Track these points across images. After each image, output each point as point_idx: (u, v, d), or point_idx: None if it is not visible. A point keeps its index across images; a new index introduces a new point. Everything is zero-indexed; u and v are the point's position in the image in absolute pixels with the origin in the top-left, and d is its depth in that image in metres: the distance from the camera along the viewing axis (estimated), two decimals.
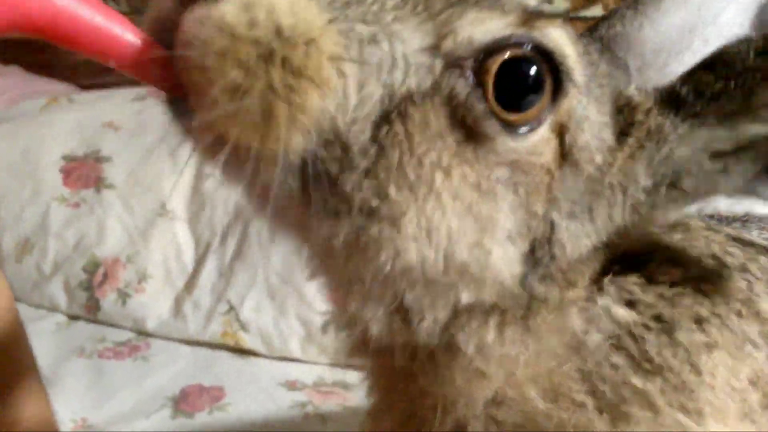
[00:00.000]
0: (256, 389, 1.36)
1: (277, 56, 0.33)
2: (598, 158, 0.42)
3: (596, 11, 1.77)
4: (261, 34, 0.32)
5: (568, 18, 0.43)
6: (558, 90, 0.39)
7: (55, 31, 0.32)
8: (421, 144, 0.36)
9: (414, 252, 0.37)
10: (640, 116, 0.44)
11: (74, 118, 1.78)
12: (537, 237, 0.41)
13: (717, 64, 0.42)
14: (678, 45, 0.50)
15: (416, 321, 0.41)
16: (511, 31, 0.38)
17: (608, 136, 0.43)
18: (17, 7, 0.30)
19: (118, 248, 1.59)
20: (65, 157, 1.72)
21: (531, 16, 0.38)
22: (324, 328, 1.54)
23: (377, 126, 0.36)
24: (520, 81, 0.38)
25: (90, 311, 1.57)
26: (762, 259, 0.51)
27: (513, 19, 0.38)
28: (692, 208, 0.46)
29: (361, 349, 0.47)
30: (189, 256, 1.57)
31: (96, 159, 1.71)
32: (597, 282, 0.47)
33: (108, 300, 1.55)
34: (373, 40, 0.35)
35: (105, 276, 1.57)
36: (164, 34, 0.35)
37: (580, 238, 0.43)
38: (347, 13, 0.35)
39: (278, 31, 0.33)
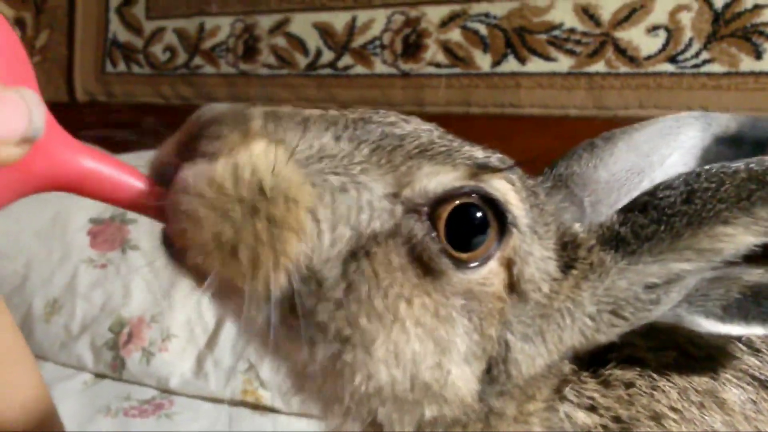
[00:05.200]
0: None
1: (261, 212, 0.38)
2: (545, 287, 0.47)
3: (599, 67, 1.84)
4: (246, 193, 0.38)
5: (512, 169, 0.48)
6: (503, 231, 0.45)
7: (79, 188, 0.36)
8: (386, 278, 0.41)
9: (384, 374, 0.42)
10: (583, 252, 0.49)
11: None
12: (493, 356, 0.46)
13: (649, 208, 0.47)
14: (628, 185, 0.56)
15: None
16: (461, 183, 0.43)
17: (553, 269, 0.48)
18: (48, 173, 0.34)
19: (143, 308, 1.65)
20: (92, 220, 1.80)
21: (478, 170, 0.44)
22: None
23: (346, 263, 0.41)
24: (468, 224, 0.43)
25: (115, 370, 1.63)
26: (730, 346, 0.54)
27: (462, 172, 0.44)
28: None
29: None
30: (210, 316, 1.62)
31: (122, 221, 1.79)
32: (558, 391, 0.51)
33: (133, 359, 1.61)
34: (343, 188, 0.41)
35: (130, 335, 1.63)
36: (164, 177, 0.40)
37: (534, 358, 0.48)
38: (321, 166, 0.40)
39: (261, 190, 0.38)
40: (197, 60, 2.39)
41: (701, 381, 0.52)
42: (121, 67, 2.54)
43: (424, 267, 0.42)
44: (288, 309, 0.40)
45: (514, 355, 0.46)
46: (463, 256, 0.43)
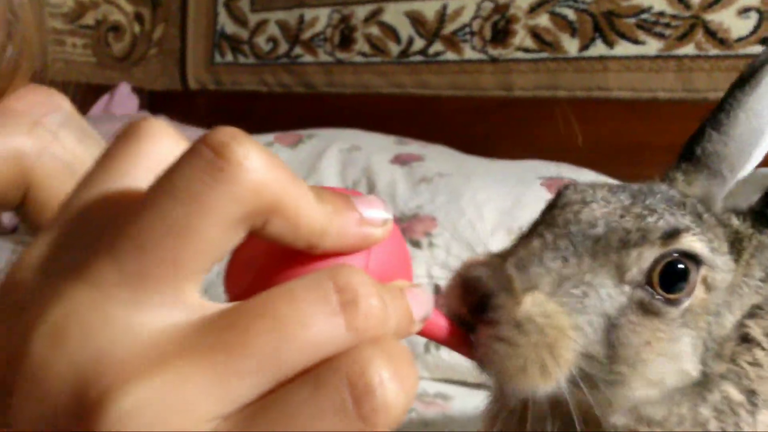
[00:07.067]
0: None
1: (544, 346, 0.52)
2: (729, 278, 0.62)
3: (689, 50, 1.84)
4: (534, 340, 0.52)
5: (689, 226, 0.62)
6: (698, 265, 0.59)
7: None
8: (631, 335, 0.56)
9: (640, 394, 0.58)
10: (746, 243, 0.63)
11: None
12: (704, 336, 0.60)
13: None
14: (754, 143, 0.69)
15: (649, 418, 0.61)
16: (661, 251, 0.57)
17: (731, 265, 0.62)
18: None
19: None
20: None
21: (669, 238, 0.58)
22: (426, 347, 1.74)
23: (605, 337, 0.55)
24: (675, 276, 0.58)
25: None
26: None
27: (659, 244, 0.57)
28: None
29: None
30: None
31: None
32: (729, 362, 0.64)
33: None
34: (585, 294, 0.55)
35: None
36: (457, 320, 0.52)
37: (725, 324, 0.62)
38: (564, 288, 0.55)
39: (541, 332, 0.52)
40: (297, 49, 2.54)
41: None
42: (229, 57, 2.73)
43: (653, 314, 0.57)
44: (575, 379, 0.55)
45: (713, 328, 0.61)
46: (676, 296, 0.58)
